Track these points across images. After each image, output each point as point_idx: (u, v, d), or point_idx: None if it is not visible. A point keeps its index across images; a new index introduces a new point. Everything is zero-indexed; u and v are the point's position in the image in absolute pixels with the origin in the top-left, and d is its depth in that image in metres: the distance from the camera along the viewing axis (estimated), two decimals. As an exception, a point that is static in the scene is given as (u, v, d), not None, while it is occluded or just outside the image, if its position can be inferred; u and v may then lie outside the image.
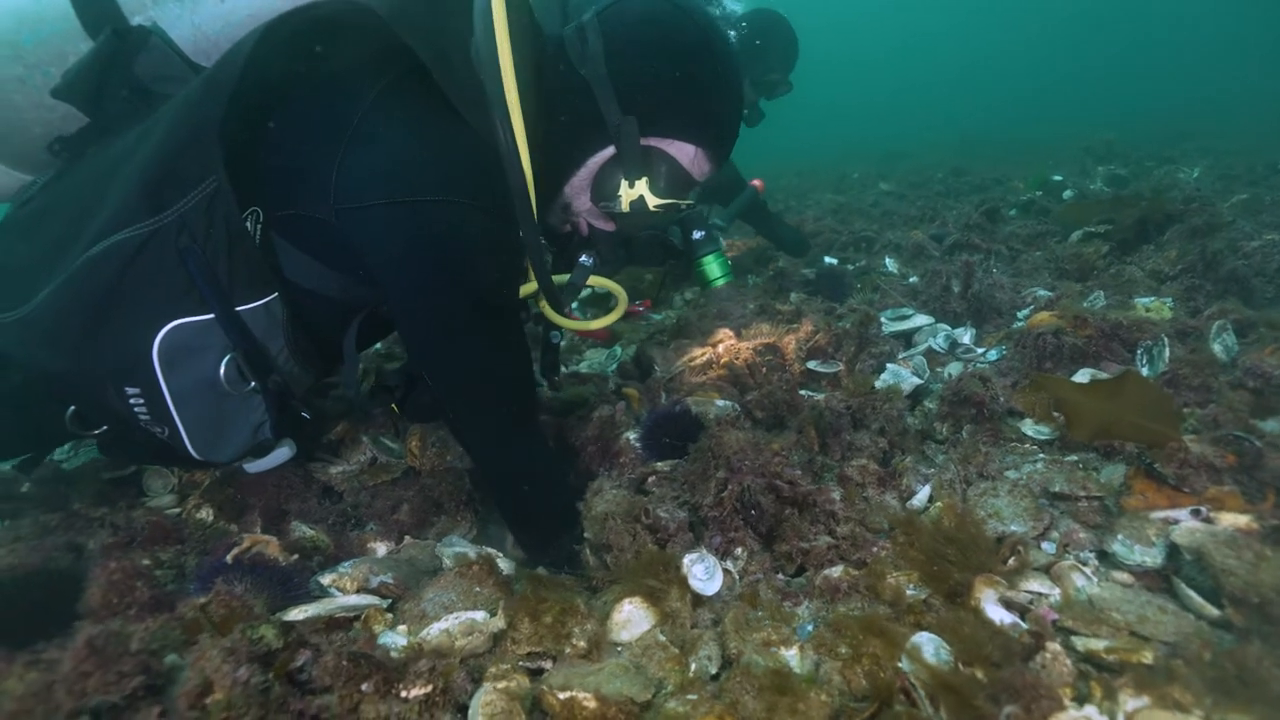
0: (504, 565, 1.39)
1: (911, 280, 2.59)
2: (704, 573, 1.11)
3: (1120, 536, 1.06)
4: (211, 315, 1.16)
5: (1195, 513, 1.05)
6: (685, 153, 1.36)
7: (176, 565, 1.35)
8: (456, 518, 1.66)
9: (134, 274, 1.14)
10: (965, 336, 1.91)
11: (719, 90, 1.34)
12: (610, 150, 1.34)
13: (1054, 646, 0.86)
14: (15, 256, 1.26)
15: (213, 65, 1.18)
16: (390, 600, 1.22)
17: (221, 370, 1.19)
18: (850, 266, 3.17)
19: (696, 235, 1.93)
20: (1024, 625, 0.94)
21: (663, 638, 0.99)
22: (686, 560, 1.10)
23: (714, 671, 0.93)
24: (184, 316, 1.16)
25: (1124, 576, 1.03)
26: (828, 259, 3.21)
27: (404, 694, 0.88)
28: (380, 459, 1.80)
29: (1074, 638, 0.91)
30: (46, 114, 1.26)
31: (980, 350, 1.84)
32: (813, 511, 1.20)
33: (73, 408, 1.31)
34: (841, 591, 1.02)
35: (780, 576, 1.16)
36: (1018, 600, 1.00)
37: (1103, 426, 1.16)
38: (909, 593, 1.02)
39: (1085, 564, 1.07)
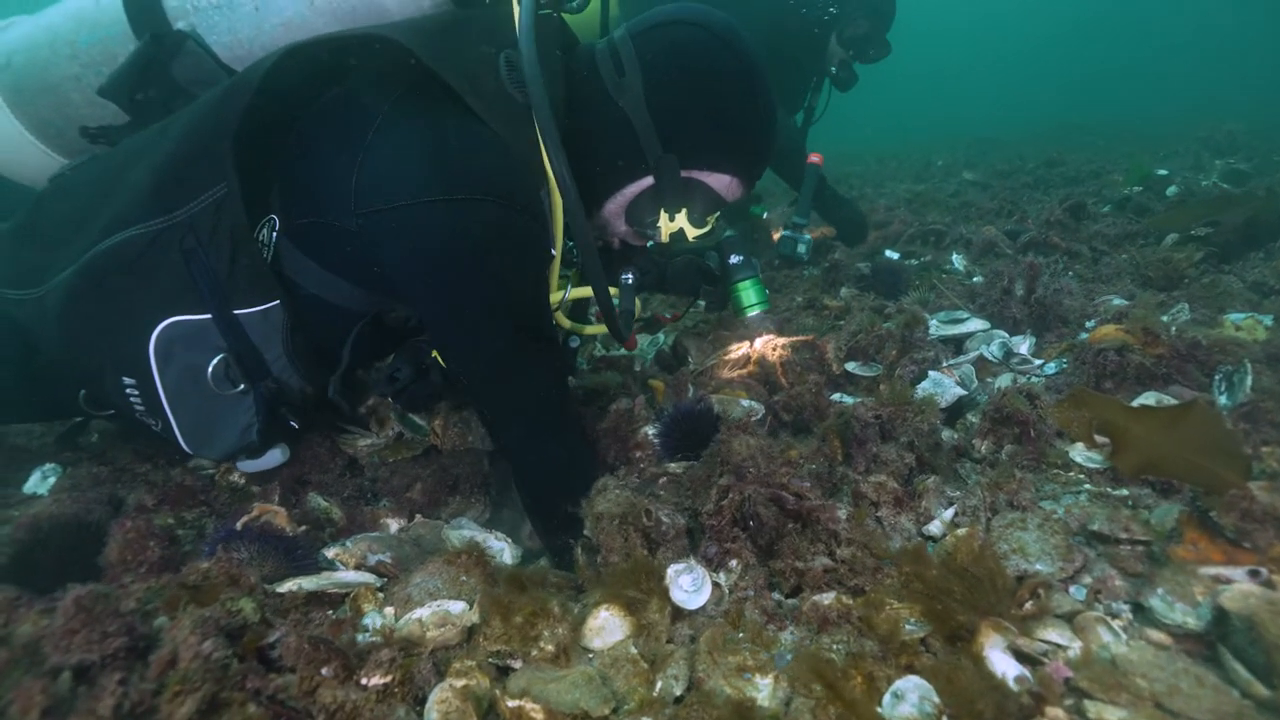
0: (510, 555, 1.39)
1: (976, 280, 2.40)
2: (691, 584, 1.06)
3: (1160, 590, 0.93)
4: (209, 315, 1.20)
5: (1254, 574, 0.91)
6: (722, 182, 1.37)
7: (198, 526, 1.42)
8: (471, 499, 1.67)
9: (139, 269, 1.19)
10: (1023, 346, 1.74)
11: (757, 120, 1.33)
12: (648, 181, 1.35)
13: (1056, 712, 0.77)
14: (39, 231, 1.35)
15: (233, 78, 1.22)
16: (385, 580, 1.23)
17: (209, 369, 1.22)
18: (914, 261, 2.98)
19: (733, 260, 1.90)
20: (1031, 680, 0.84)
21: (634, 650, 0.95)
22: (672, 570, 1.05)
23: (678, 693, 0.88)
24: (182, 314, 1.20)
25: (1159, 637, 0.90)
26: (889, 252, 3.02)
27: (364, 681, 0.88)
28: (406, 435, 1.84)
29: (1087, 702, 0.81)
30: (99, 110, 1.34)
31: (1038, 362, 1.67)
32: (815, 529, 1.12)
33: (84, 390, 1.40)
34: (830, 621, 0.94)
35: (775, 595, 1.10)
36: (1030, 650, 0.90)
37: (1152, 460, 1.02)
38: (907, 628, 0.94)
39: (1116, 617, 0.95)
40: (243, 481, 1.62)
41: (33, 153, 1.39)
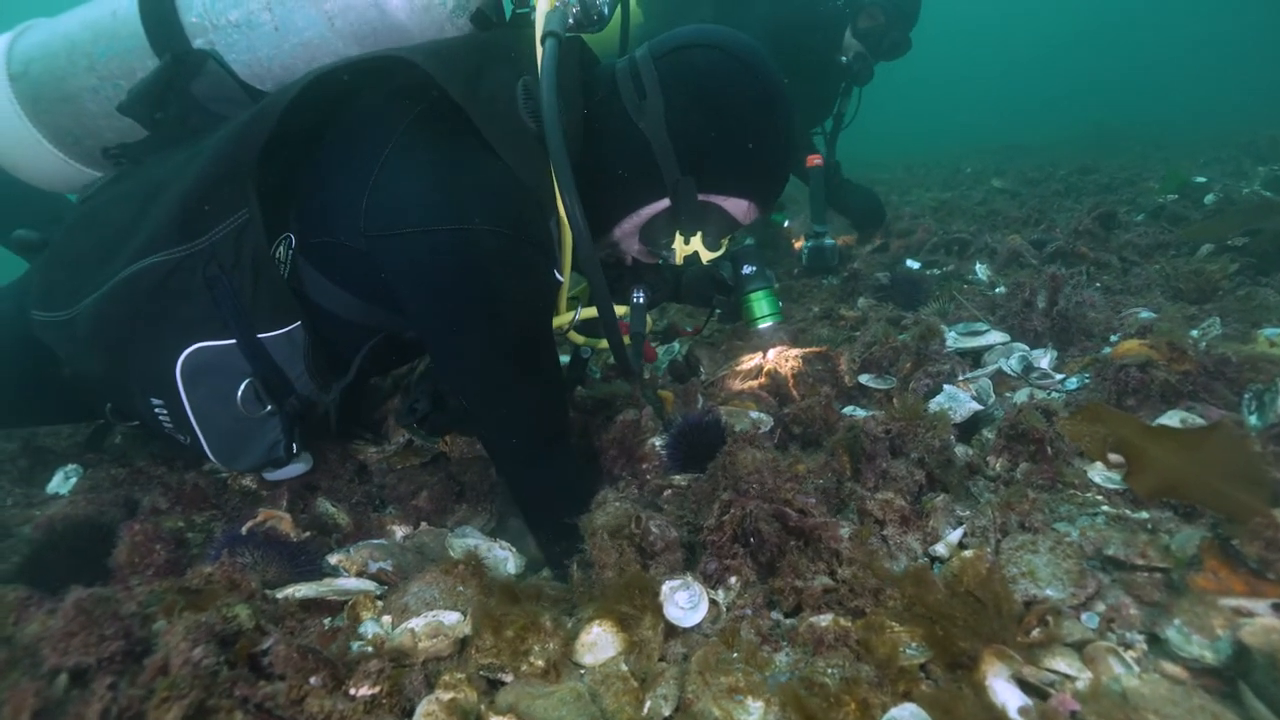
0: (514, 564, 1.38)
1: (998, 290, 2.34)
2: (687, 601, 1.04)
3: (1178, 621, 0.89)
4: (233, 340, 1.22)
5: (1277, 608, 0.86)
6: (739, 207, 1.37)
7: (207, 530, 1.44)
8: (477, 508, 1.67)
9: (163, 296, 1.21)
10: (1044, 360, 1.69)
11: (776, 147, 1.32)
12: (664, 203, 1.34)
13: (1058, 748, 0.73)
14: (69, 253, 1.38)
15: (258, 105, 1.24)
16: (386, 587, 1.24)
17: (239, 394, 1.25)
18: (936, 271, 2.92)
19: (746, 270, 1.90)
20: (1034, 712, 0.81)
21: (625, 668, 0.93)
22: (667, 587, 1.03)
23: (667, 714, 0.86)
24: (207, 340, 1.22)
25: (1175, 670, 0.86)
26: (910, 262, 2.97)
27: (352, 692, 0.88)
28: (415, 442, 1.85)
29: (1093, 738, 0.77)
30: (116, 122, 1.36)
31: (1058, 377, 1.62)
32: (817, 547, 1.10)
33: (110, 403, 1.43)
34: (825, 644, 0.92)
35: (775, 614, 1.07)
36: (1036, 680, 0.86)
37: (1170, 483, 0.98)
38: (907, 653, 0.91)
39: (1130, 647, 0.90)
40: (254, 485, 1.64)
41: (52, 160, 1.41)
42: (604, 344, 1.67)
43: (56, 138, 1.40)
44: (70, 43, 1.37)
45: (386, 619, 1.12)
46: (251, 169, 1.16)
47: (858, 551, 1.06)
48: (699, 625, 1.02)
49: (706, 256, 1.43)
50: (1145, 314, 1.82)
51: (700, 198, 1.32)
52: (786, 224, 4.23)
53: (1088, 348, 1.74)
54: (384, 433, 1.85)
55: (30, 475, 1.82)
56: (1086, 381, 1.55)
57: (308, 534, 1.39)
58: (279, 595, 1.12)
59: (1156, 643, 0.90)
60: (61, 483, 1.73)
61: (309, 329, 1.27)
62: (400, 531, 1.57)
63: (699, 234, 1.38)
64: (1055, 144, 8.55)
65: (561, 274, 1.33)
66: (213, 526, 1.45)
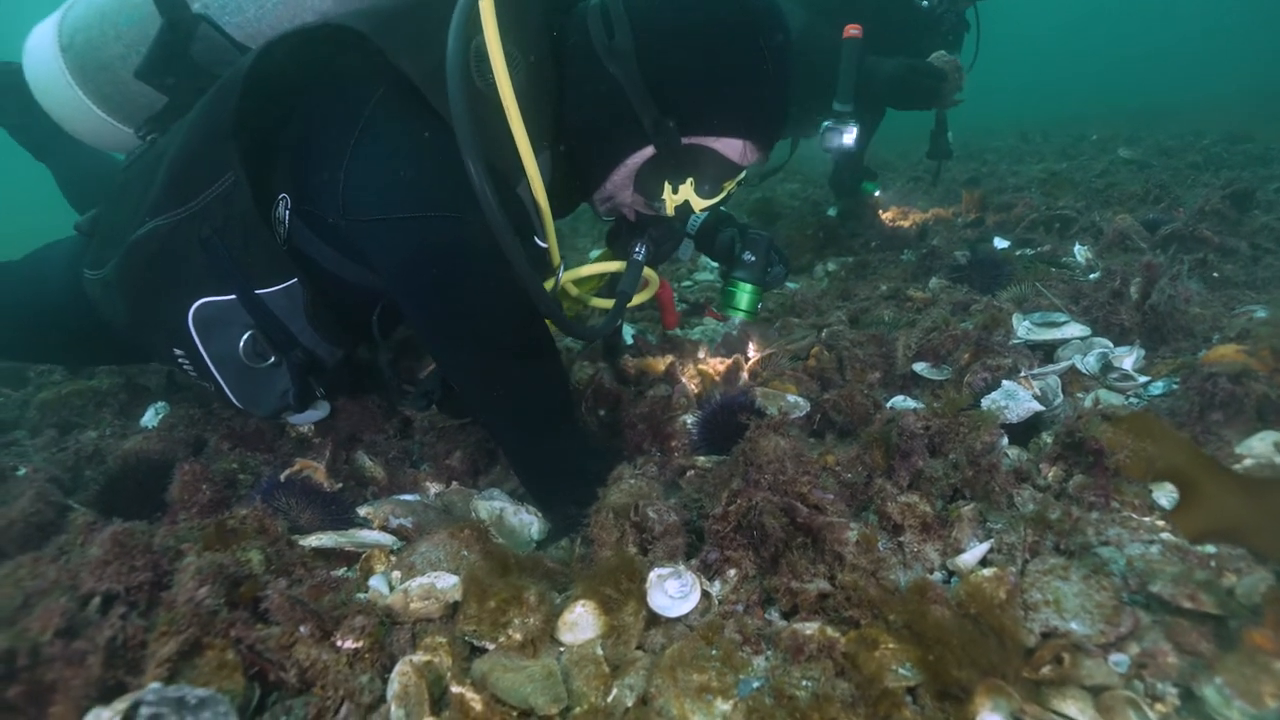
0: (538, 529, 1.41)
1: (1093, 277, 2.10)
2: (678, 590, 1.02)
3: (1219, 680, 0.77)
4: (234, 296, 1.27)
5: (1343, 679, 0.72)
6: (733, 148, 1.27)
7: (258, 472, 1.55)
8: (509, 471, 1.70)
9: (167, 256, 1.28)
10: (1127, 359, 1.50)
11: (766, 78, 1.20)
12: (650, 150, 1.27)
13: (1037, 804, 0.66)
14: (108, 217, 1.48)
15: (224, 75, 1.26)
16: (405, 543, 1.29)
17: (240, 345, 1.31)
18: (1028, 252, 2.65)
19: (745, 257, 1.82)
20: (1027, 758, 0.73)
21: (600, 652, 0.93)
22: (655, 574, 1.01)
23: (629, 704, 0.85)
24: (210, 295, 1.28)
25: (1206, 734, 0.75)
26: (998, 240, 2.71)
27: (338, 644, 0.92)
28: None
29: (1089, 796, 0.69)
30: (147, 87, 1.42)
31: (1141, 380, 1.43)
32: (820, 548, 1.04)
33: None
34: (805, 653, 0.87)
35: (771, 613, 1.03)
36: (1039, 722, 0.78)
37: (1224, 526, 0.84)
38: (899, 673, 0.84)
39: (1159, 700, 0.80)
40: (309, 433, 1.75)
41: (103, 125, 1.51)
42: (597, 302, 1.65)
43: (104, 103, 1.49)
44: (101, 13, 1.45)
45: (396, 574, 1.16)
46: (229, 130, 1.19)
47: (861, 557, 0.99)
48: (686, 616, 0.99)
49: (699, 205, 1.33)
50: (1262, 313, 1.57)
51: (686, 140, 1.23)
52: (878, 194, 3.97)
53: (1184, 349, 1.52)
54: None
55: (129, 409, 2.03)
56: (1174, 387, 1.37)
57: (340, 485, 1.46)
58: (302, 542, 1.18)
59: (1191, 700, 0.79)
60: (152, 417, 1.92)
61: (309, 286, 1.30)
62: (434, 489, 1.62)
63: (689, 181, 1.29)
64: (1207, 107, 7.49)
65: (543, 239, 1.29)
66: (263, 470, 1.56)
